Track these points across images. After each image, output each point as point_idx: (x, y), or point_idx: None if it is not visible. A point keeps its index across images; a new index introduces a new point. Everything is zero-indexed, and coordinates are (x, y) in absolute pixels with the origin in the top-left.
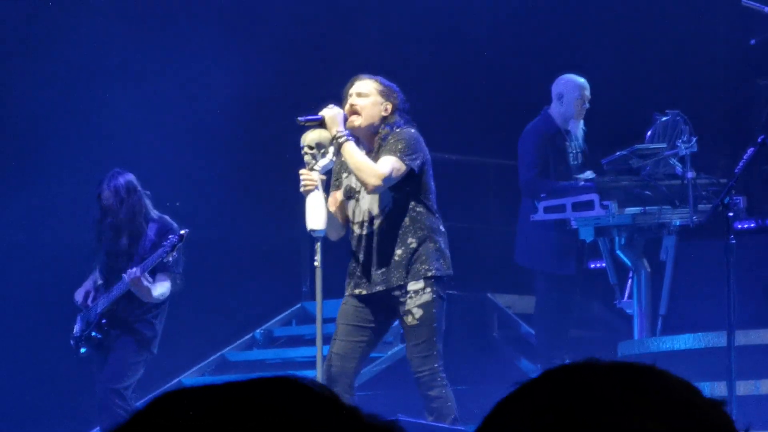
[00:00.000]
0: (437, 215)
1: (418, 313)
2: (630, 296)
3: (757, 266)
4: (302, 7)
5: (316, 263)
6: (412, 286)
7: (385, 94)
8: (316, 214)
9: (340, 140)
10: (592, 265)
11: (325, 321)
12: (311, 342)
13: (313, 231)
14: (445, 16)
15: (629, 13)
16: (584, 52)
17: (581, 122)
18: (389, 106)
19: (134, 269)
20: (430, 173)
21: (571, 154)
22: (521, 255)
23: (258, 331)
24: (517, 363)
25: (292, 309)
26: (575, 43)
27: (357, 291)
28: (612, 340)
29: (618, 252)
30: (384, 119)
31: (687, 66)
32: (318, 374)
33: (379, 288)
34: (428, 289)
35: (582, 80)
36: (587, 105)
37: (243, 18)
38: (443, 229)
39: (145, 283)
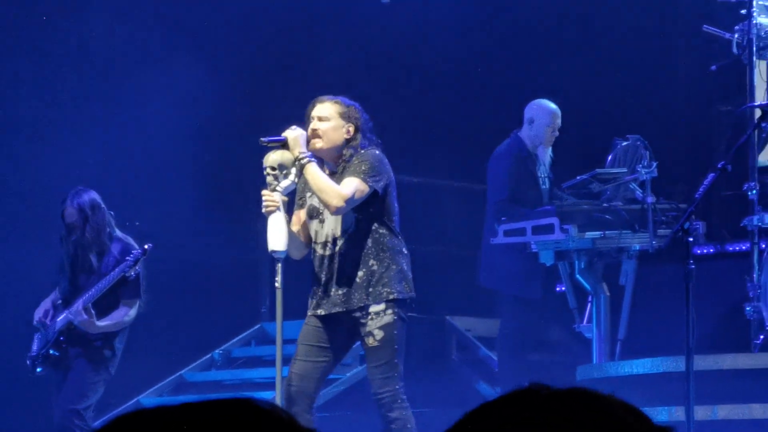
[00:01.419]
0: (400, 237)
1: (379, 334)
2: (589, 320)
3: (716, 291)
4: (264, 28)
5: (276, 284)
6: (374, 308)
7: (347, 116)
8: (278, 235)
9: (303, 161)
10: (558, 289)
11: (285, 342)
12: (270, 363)
13: (274, 252)
14: (410, 38)
15: (591, 39)
16: (547, 76)
17: (550, 149)
18: (351, 128)
19: (78, 306)
20: (393, 195)
21: (540, 178)
22: (487, 277)
23: (217, 351)
24: (475, 386)
25: (252, 330)
26: (537, 68)
27: (319, 311)
28: (571, 364)
29: (578, 276)
30: (347, 141)
31: (648, 91)
32: (277, 395)
33: (338, 309)
34: (389, 311)
35: (554, 107)
36: (557, 133)
37: (206, 39)
38: (406, 252)
39: (87, 317)
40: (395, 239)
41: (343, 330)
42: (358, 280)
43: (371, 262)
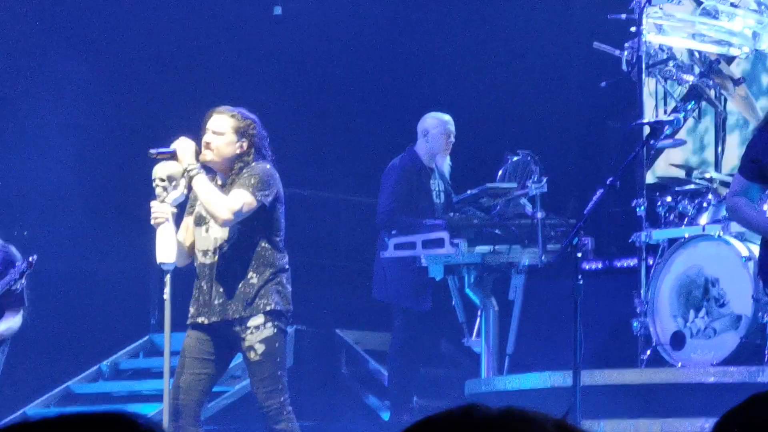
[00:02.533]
0: (283, 252)
1: (260, 348)
2: (478, 334)
3: (604, 307)
4: (156, 36)
5: (165, 296)
6: (253, 321)
7: (242, 132)
8: (167, 247)
9: (192, 173)
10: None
11: (173, 354)
12: (158, 375)
13: (163, 264)
14: (303, 51)
15: (484, 53)
16: (441, 91)
17: (448, 158)
18: (245, 144)
19: None
20: (281, 211)
21: (434, 192)
22: (379, 290)
23: (104, 363)
24: (364, 400)
25: (140, 341)
26: (431, 82)
27: (199, 320)
28: (460, 378)
29: (467, 290)
30: (239, 156)
31: (540, 107)
32: (165, 408)
33: (215, 318)
34: (269, 324)
35: (447, 116)
36: (452, 140)
37: (96, 46)
38: (287, 267)
39: None
40: (278, 254)
41: (223, 342)
42: (236, 291)
43: (251, 274)
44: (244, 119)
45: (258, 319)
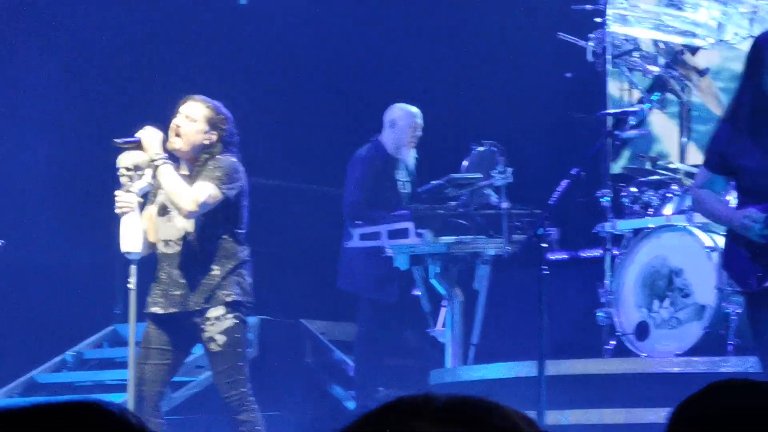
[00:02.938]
0: (244, 245)
1: (221, 339)
2: (443, 324)
3: (569, 297)
4: (120, 27)
5: (130, 285)
6: (212, 312)
7: (214, 124)
8: (131, 237)
9: (157, 163)
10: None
11: (137, 344)
12: (122, 365)
13: (128, 253)
14: (268, 40)
15: (449, 44)
16: (405, 82)
17: (413, 150)
18: (214, 137)
19: None
20: (244, 204)
21: (399, 182)
22: (345, 280)
23: (68, 353)
24: (329, 389)
25: (104, 331)
26: (396, 72)
27: (155, 309)
28: (425, 368)
29: (432, 280)
30: (206, 147)
31: (506, 97)
32: (129, 398)
33: (174, 309)
34: (229, 315)
35: (415, 109)
36: (419, 133)
37: (60, 35)
38: (248, 259)
39: None
40: (239, 247)
41: (182, 332)
42: (197, 282)
43: (212, 266)
44: (217, 113)
45: (218, 311)
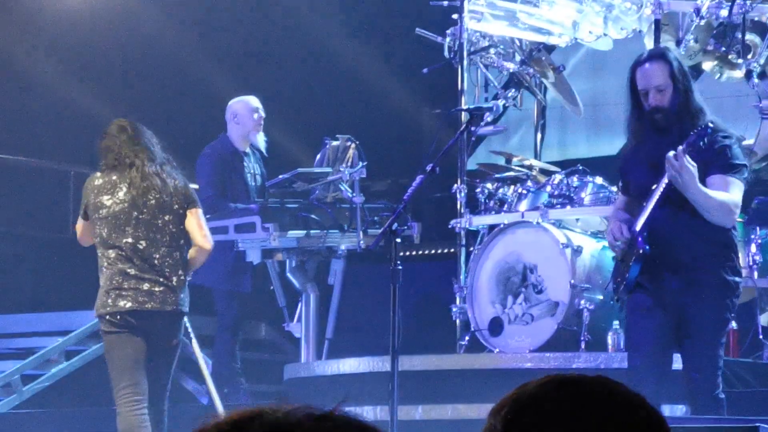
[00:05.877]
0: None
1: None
2: (299, 319)
3: (423, 292)
4: None
5: None
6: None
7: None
8: None
9: None
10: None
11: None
12: None
13: None
14: (113, 45)
15: (304, 38)
16: (260, 76)
17: (261, 134)
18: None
19: None
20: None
21: (249, 175)
22: (195, 274)
23: None
24: (183, 384)
25: None
26: (251, 67)
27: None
28: (280, 362)
29: (288, 275)
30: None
31: (362, 92)
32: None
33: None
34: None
35: (251, 96)
36: (262, 114)
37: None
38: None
39: None
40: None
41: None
42: None
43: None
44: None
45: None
